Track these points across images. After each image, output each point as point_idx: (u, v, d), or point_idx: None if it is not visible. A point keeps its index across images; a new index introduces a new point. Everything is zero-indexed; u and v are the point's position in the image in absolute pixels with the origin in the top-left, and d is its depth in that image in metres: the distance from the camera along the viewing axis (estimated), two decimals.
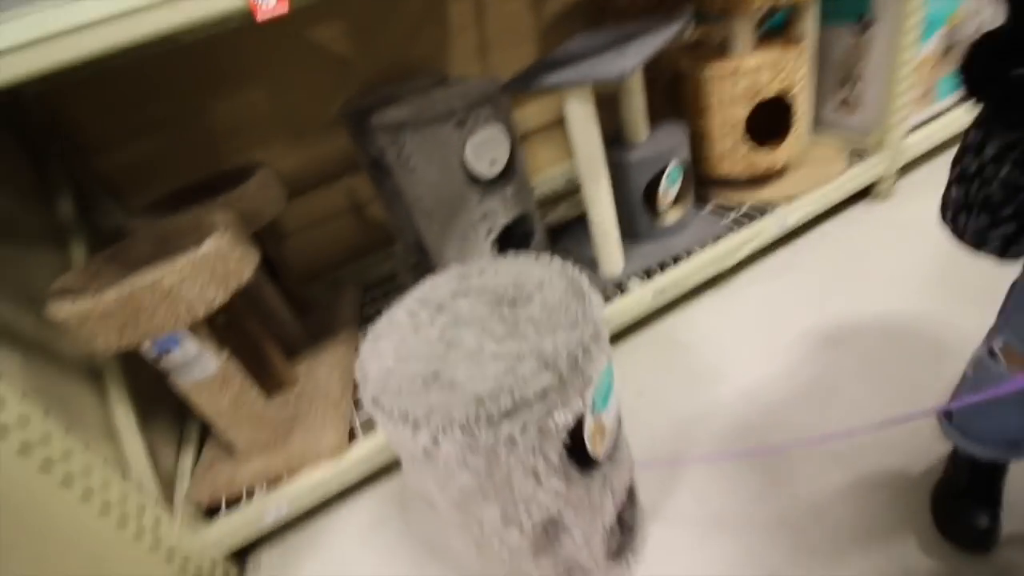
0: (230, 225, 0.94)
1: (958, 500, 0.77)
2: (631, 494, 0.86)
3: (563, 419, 0.57)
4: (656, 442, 1.04)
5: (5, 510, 0.72)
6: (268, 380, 1.18)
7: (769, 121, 1.37)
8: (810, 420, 0.98)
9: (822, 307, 1.21)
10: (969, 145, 0.51)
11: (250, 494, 1.02)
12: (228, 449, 1.06)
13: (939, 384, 0.96)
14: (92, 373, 1.02)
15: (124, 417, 0.99)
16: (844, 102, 1.53)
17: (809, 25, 1.30)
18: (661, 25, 1.10)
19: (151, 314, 0.81)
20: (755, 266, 1.38)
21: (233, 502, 1.02)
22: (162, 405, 1.16)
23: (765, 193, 1.39)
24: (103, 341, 0.82)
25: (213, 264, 0.86)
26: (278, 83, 1.43)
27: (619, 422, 0.74)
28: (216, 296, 0.87)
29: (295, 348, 1.29)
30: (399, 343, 0.68)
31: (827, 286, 1.26)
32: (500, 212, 1.23)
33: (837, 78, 1.51)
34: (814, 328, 1.16)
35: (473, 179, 1.17)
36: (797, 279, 1.30)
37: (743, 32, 1.23)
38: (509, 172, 1.23)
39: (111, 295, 0.79)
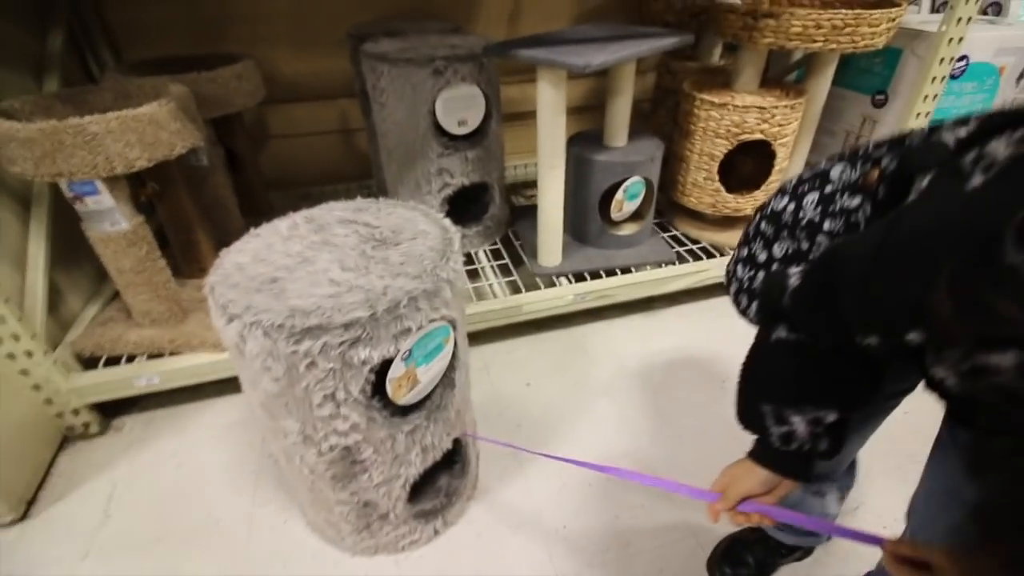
0: (180, 99, 0.96)
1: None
2: (457, 464, 0.88)
3: (367, 356, 0.59)
4: (520, 431, 1.06)
5: None
6: (191, 262, 1.21)
7: (752, 165, 1.35)
8: (662, 462, 1.00)
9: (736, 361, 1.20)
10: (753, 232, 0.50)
11: (130, 359, 1.06)
12: (127, 313, 1.09)
13: None
14: (25, 204, 1.05)
15: (36, 250, 1.03)
16: None
17: (820, 83, 1.27)
18: (660, 36, 1.08)
19: (69, 154, 0.84)
20: (691, 303, 1.38)
21: (112, 361, 1.05)
22: (88, 259, 1.20)
23: (725, 236, 1.38)
24: (21, 166, 0.84)
25: (144, 127, 0.88)
26: None
27: (454, 388, 0.75)
28: (139, 158, 0.89)
29: (235, 240, 1.31)
30: (264, 247, 0.70)
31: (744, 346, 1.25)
32: (458, 172, 1.24)
33: (840, 147, 1.49)
34: (717, 380, 1.16)
35: (440, 132, 1.18)
36: (724, 329, 1.30)
37: (748, 68, 1.21)
38: (477, 136, 1.23)
39: (37, 125, 0.81)
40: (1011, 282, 0.26)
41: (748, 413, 0.53)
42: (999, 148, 0.31)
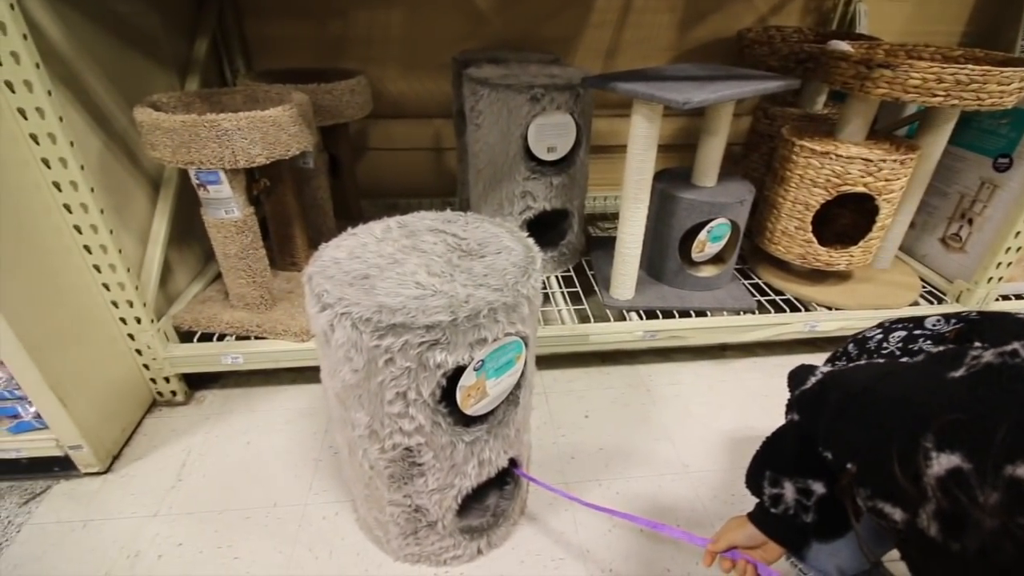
0: (300, 106, 1.05)
1: None
2: (509, 485, 0.87)
3: (442, 360, 0.60)
4: (572, 463, 1.03)
5: (34, 247, 0.87)
6: (286, 255, 1.30)
7: (851, 220, 1.28)
8: (719, 517, 0.93)
9: None
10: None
11: (221, 337, 1.14)
12: (224, 294, 1.18)
13: None
14: (154, 185, 1.18)
15: (158, 228, 1.14)
16: (949, 238, 1.39)
17: (936, 140, 1.20)
18: (765, 79, 1.06)
19: (203, 145, 0.93)
20: (766, 356, 1.31)
21: (205, 337, 1.14)
22: (198, 241, 1.32)
23: (812, 291, 1.30)
24: (160, 152, 0.95)
25: (267, 128, 0.97)
26: (416, 14, 1.54)
27: (518, 406, 0.75)
28: (259, 155, 0.97)
29: (326, 240, 1.40)
30: (359, 245, 0.74)
31: None
32: (541, 197, 1.26)
33: (951, 210, 1.38)
34: None
35: (529, 156, 1.21)
36: None
37: (856, 119, 1.16)
38: (564, 163, 1.25)
39: (180, 117, 0.92)
40: (912, 461, 0.34)
41: (752, 476, 0.61)
42: (989, 354, 0.35)
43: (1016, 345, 0.34)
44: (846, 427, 0.44)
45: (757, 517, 0.61)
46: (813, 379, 0.51)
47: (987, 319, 0.41)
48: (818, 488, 0.53)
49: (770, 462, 0.58)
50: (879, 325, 0.52)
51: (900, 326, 0.49)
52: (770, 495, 0.57)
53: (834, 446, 0.46)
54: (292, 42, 1.55)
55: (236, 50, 1.53)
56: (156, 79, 1.22)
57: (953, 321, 0.46)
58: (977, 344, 0.38)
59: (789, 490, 0.55)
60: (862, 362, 0.51)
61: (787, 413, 0.56)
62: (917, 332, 0.47)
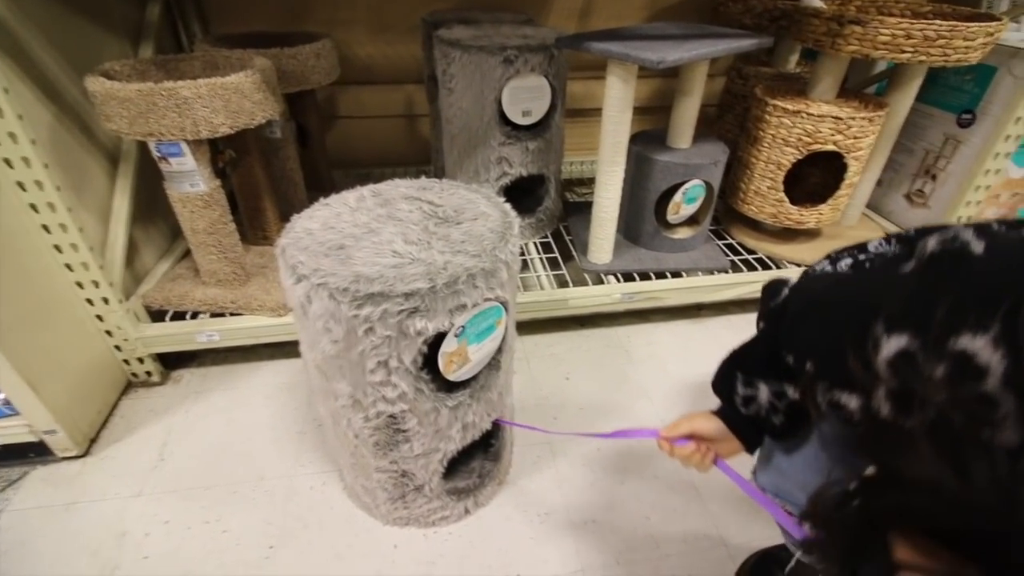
0: (263, 71, 1.00)
1: None
2: (493, 447, 0.89)
3: (423, 327, 0.60)
4: (555, 423, 1.06)
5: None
6: (257, 229, 1.27)
7: (821, 178, 1.30)
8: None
9: None
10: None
11: (194, 315, 1.12)
12: (195, 271, 1.15)
13: None
14: (112, 160, 1.13)
15: (120, 205, 1.10)
16: (914, 194, 1.43)
17: (903, 98, 1.21)
18: (738, 37, 1.05)
19: (161, 116, 0.89)
20: (740, 314, 1.34)
21: (178, 316, 1.12)
22: (163, 217, 1.27)
23: (783, 249, 1.33)
24: (116, 124, 0.91)
25: (229, 96, 0.93)
26: None
27: (500, 370, 0.76)
28: (222, 124, 0.93)
29: (297, 212, 1.37)
30: (333, 215, 0.73)
31: None
32: (517, 163, 1.25)
33: (916, 166, 1.41)
34: None
35: (504, 120, 1.19)
36: None
37: (827, 76, 1.17)
38: (540, 128, 1.23)
39: (135, 86, 0.87)
40: (864, 348, 0.36)
41: (722, 379, 0.61)
42: (932, 242, 0.35)
43: (956, 231, 0.35)
44: (804, 329, 0.47)
45: (727, 413, 0.61)
46: (784, 291, 0.53)
47: (927, 230, 0.42)
48: (791, 392, 0.53)
49: (743, 365, 0.59)
50: (826, 256, 0.52)
51: (846, 254, 0.49)
52: (743, 395, 0.57)
53: (795, 348, 0.48)
54: (252, 4, 1.47)
55: (191, 14, 1.44)
56: (107, 47, 1.15)
57: (894, 240, 0.47)
58: (921, 242, 0.38)
59: (763, 392, 0.55)
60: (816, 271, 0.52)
61: (757, 325, 0.57)
62: (862, 257, 0.48)
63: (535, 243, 1.39)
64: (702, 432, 0.63)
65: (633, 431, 0.70)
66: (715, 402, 0.65)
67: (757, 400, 0.56)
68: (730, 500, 0.92)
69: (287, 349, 1.19)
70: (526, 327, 1.27)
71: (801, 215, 1.25)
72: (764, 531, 0.87)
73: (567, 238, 1.40)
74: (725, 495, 0.93)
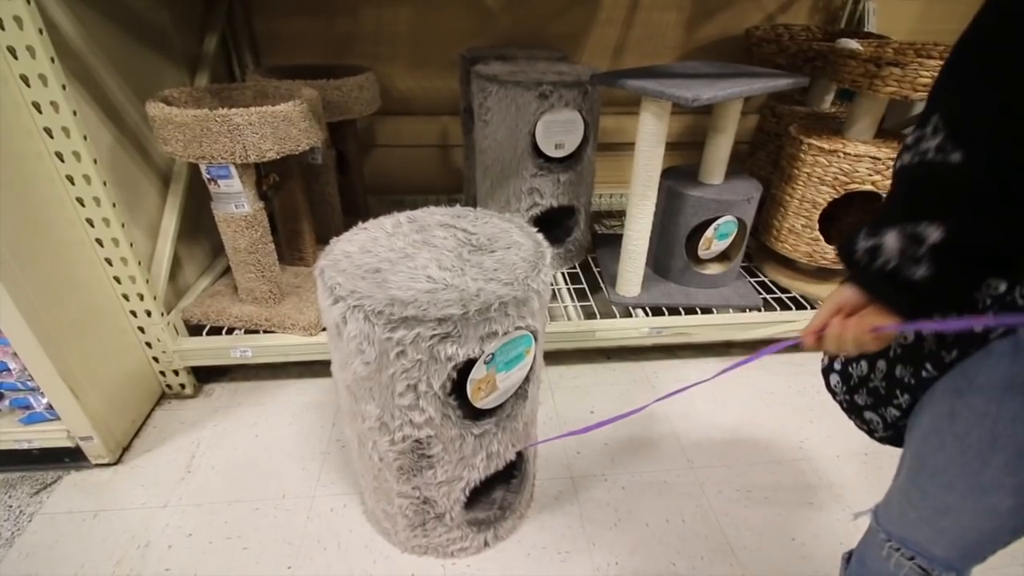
0: (310, 101, 1.05)
1: None
2: (516, 478, 0.87)
3: (453, 353, 0.61)
4: (579, 458, 1.04)
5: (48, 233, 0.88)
6: (294, 250, 1.31)
7: (859, 218, 1.28)
8: (724, 514, 0.94)
9: (810, 424, 1.13)
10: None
11: (230, 331, 1.15)
12: (233, 288, 1.19)
13: None
14: (164, 180, 1.19)
15: (168, 223, 1.15)
16: None
17: None
18: (774, 77, 1.06)
19: (214, 140, 0.94)
20: (772, 355, 1.30)
21: (214, 331, 1.15)
22: (207, 236, 1.32)
23: (819, 288, 1.30)
24: (172, 147, 0.96)
25: (278, 123, 0.97)
26: (424, 11, 1.54)
27: (526, 400, 0.76)
28: (270, 150, 0.98)
29: (334, 236, 1.41)
30: (370, 240, 0.75)
31: (828, 407, 1.17)
32: (548, 194, 1.26)
33: None
34: (794, 439, 1.09)
35: (536, 152, 1.21)
36: (805, 387, 1.22)
37: (864, 117, 1.16)
38: (571, 161, 1.25)
39: (192, 112, 0.92)
40: None
41: (846, 239, 0.48)
42: None
43: None
44: None
45: (853, 275, 0.48)
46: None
47: None
48: (933, 234, 0.41)
49: (873, 219, 0.46)
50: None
51: None
52: (864, 248, 0.46)
53: None
54: (301, 38, 1.55)
55: (245, 46, 1.53)
56: (167, 75, 1.22)
57: None
58: None
59: (891, 238, 0.43)
60: None
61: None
62: None
63: (563, 273, 1.40)
64: (846, 304, 0.49)
65: (770, 348, 0.57)
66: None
67: (883, 250, 0.44)
68: (762, 550, 0.88)
69: (316, 368, 1.21)
70: (551, 357, 1.27)
71: (837, 255, 1.23)
72: None
73: (595, 269, 1.41)
74: (757, 544, 0.89)
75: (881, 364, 0.50)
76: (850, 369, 0.55)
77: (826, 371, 0.60)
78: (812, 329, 0.50)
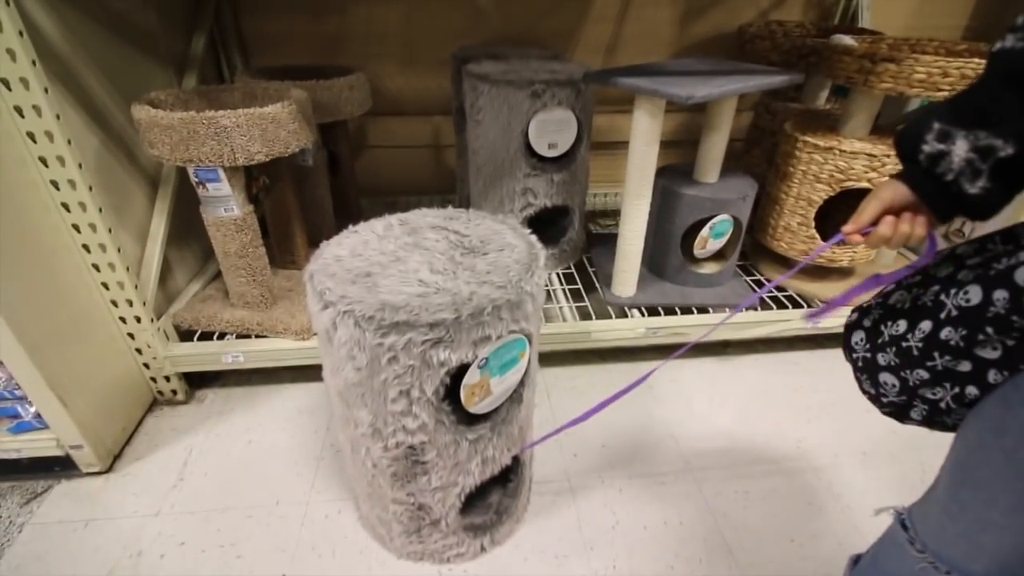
0: (299, 102, 1.04)
1: None
2: (512, 482, 0.86)
3: (446, 358, 0.60)
4: (576, 460, 1.03)
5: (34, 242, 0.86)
6: (285, 253, 1.30)
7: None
8: (724, 517, 0.93)
9: (807, 423, 1.12)
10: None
11: (221, 336, 1.13)
12: (224, 293, 1.18)
13: None
14: (152, 184, 1.17)
15: (157, 227, 1.13)
16: (952, 233, 1.39)
17: None
18: (768, 74, 1.05)
19: (201, 143, 0.93)
20: (768, 353, 1.30)
21: (206, 336, 1.14)
22: (196, 240, 1.31)
23: (815, 287, 1.30)
24: (159, 150, 0.94)
25: (266, 125, 0.96)
26: (416, 9, 1.53)
27: (521, 404, 0.75)
28: (259, 152, 0.97)
29: (325, 238, 1.40)
30: (361, 243, 0.74)
31: (825, 406, 1.17)
32: (542, 194, 1.25)
33: None
34: (791, 438, 1.09)
35: (530, 152, 1.20)
36: (803, 386, 1.22)
37: (859, 113, 1.15)
38: (565, 160, 1.24)
39: (178, 115, 0.91)
40: None
41: (911, 131, 0.46)
42: None
43: None
44: None
45: (910, 175, 0.47)
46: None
47: None
48: (1006, 150, 0.40)
49: (943, 113, 0.44)
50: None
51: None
52: (929, 152, 0.44)
53: None
54: (289, 39, 1.54)
55: (233, 47, 1.51)
56: (153, 77, 1.21)
57: None
58: None
59: (960, 146, 0.42)
60: None
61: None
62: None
63: (558, 274, 1.39)
64: (893, 202, 0.49)
65: (821, 248, 0.66)
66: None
67: (949, 157, 0.43)
68: (760, 550, 0.87)
69: (308, 373, 1.20)
70: (547, 359, 1.26)
71: (834, 252, 1.22)
72: None
73: (590, 270, 1.40)
74: (756, 545, 0.88)
75: (925, 324, 0.47)
76: (882, 327, 0.52)
77: (851, 326, 0.57)
78: (861, 226, 0.51)
